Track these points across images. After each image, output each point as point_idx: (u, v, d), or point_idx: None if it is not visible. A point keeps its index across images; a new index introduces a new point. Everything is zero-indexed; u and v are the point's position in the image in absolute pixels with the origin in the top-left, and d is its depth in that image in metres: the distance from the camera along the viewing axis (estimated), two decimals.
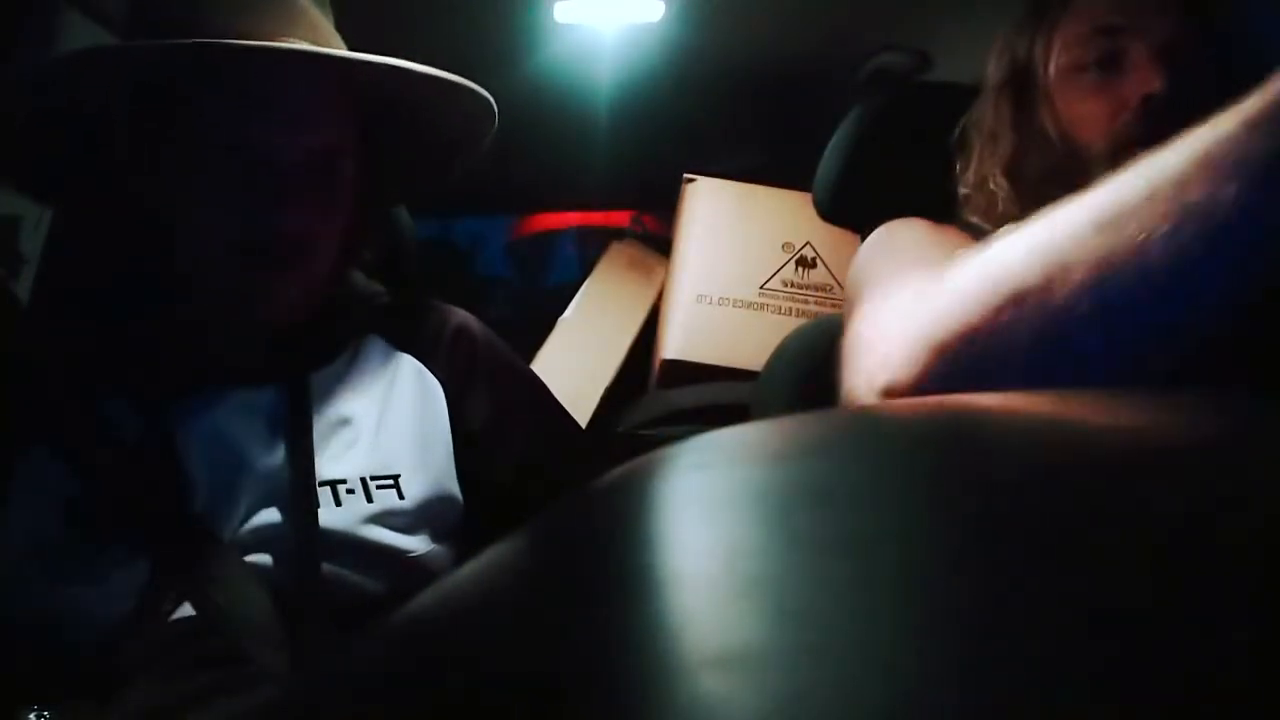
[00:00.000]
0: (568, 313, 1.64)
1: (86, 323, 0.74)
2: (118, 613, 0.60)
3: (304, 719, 0.18)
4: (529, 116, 0.79)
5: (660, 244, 1.70)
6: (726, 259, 1.46)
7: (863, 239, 0.82)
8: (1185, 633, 0.13)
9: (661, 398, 1.42)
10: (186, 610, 0.61)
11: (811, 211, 1.09)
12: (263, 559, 0.64)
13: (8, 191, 1.22)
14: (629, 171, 1.72)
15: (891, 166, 0.97)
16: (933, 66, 1.32)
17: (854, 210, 1.04)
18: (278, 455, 0.66)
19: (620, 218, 1.94)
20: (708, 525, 0.18)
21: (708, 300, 1.44)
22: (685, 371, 1.42)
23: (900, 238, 0.75)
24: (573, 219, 2.03)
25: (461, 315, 0.83)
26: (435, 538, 0.70)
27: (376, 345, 0.76)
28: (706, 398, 1.38)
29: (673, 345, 1.43)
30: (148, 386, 0.68)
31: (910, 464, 0.20)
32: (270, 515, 0.65)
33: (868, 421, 0.25)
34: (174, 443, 0.66)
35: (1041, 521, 0.16)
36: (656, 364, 1.47)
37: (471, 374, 0.78)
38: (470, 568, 0.19)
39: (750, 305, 1.44)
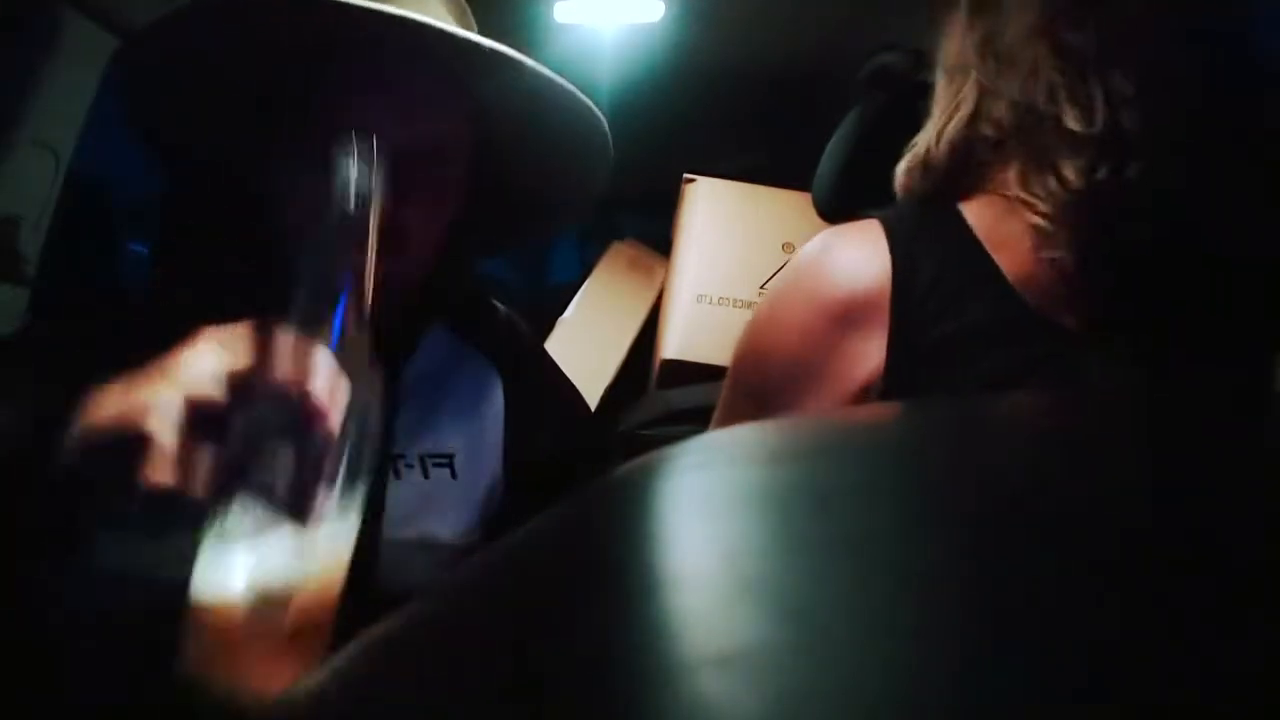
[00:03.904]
0: (568, 313, 1.64)
1: (197, 279, 0.73)
2: (172, 578, 0.59)
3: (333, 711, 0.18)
4: None
5: (660, 244, 1.70)
6: (726, 259, 1.46)
7: None
8: (1183, 631, 0.13)
9: (661, 398, 1.42)
10: None
11: (812, 211, 1.09)
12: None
13: (8, 190, 1.22)
14: (629, 171, 1.71)
15: (891, 166, 0.97)
16: (933, 66, 1.32)
17: (853, 210, 1.04)
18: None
19: None
20: (708, 525, 0.18)
21: (708, 300, 1.44)
22: (685, 371, 1.42)
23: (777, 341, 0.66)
24: None
25: (506, 310, 0.87)
26: (478, 523, 0.72)
27: (441, 333, 0.78)
28: (706, 398, 1.38)
29: (673, 345, 1.42)
30: None
31: (907, 465, 0.20)
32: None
33: (865, 423, 0.26)
34: None
35: (1038, 521, 0.16)
36: (656, 364, 1.47)
37: (522, 367, 0.81)
38: (476, 563, 0.20)
39: (750, 305, 1.44)
